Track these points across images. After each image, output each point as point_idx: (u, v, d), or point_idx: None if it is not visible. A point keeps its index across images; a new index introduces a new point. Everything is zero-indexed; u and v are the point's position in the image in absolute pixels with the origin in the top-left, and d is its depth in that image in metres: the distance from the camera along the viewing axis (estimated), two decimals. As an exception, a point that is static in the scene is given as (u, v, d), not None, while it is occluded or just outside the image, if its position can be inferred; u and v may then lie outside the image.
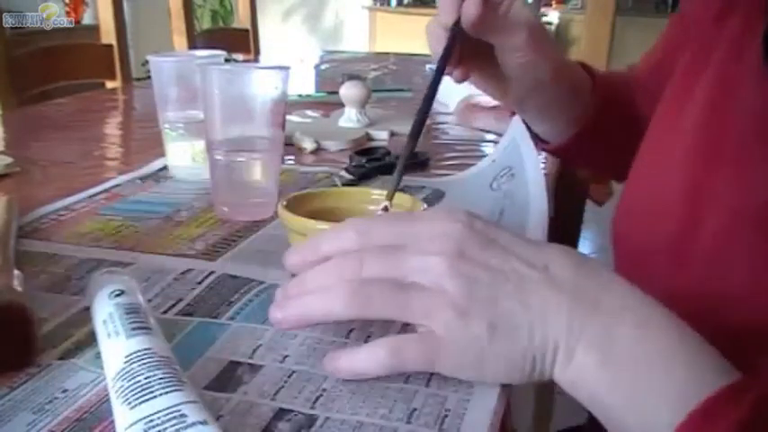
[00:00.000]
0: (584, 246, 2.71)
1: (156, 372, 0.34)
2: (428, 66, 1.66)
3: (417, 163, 0.84)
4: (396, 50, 2.01)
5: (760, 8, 0.52)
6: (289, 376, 0.40)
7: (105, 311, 0.40)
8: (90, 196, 0.71)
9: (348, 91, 1.00)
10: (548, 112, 0.72)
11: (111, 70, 1.51)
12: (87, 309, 0.44)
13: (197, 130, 0.73)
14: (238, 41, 2.09)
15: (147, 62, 0.76)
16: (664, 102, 0.60)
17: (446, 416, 0.37)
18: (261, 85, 0.63)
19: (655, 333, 0.37)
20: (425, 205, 0.54)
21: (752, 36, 0.51)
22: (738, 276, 0.47)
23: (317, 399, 0.39)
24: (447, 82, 1.37)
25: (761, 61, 0.49)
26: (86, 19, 3.15)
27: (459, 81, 0.66)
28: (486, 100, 1.25)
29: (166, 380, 0.34)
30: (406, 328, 0.46)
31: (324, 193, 0.59)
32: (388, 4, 4.42)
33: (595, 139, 0.74)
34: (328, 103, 1.21)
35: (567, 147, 0.75)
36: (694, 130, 0.53)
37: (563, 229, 0.48)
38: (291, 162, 0.87)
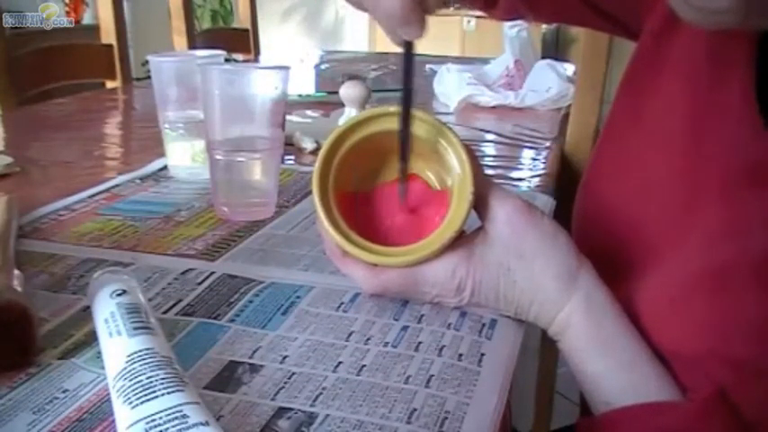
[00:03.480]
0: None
1: (158, 372, 0.34)
2: (428, 66, 1.66)
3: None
4: (396, 50, 2.00)
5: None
6: (289, 377, 0.40)
7: (107, 310, 0.40)
8: (90, 196, 0.71)
9: (348, 91, 1.00)
10: None
11: (111, 70, 1.51)
12: (87, 308, 0.44)
13: (197, 130, 0.73)
14: (238, 41, 2.08)
15: (147, 62, 0.76)
16: (628, 74, 0.57)
17: (446, 417, 0.37)
18: (261, 85, 0.63)
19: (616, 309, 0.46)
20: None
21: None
22: (676, 333, 0.45)
23: (318, 397, 0.39)
24: (447, 83, 1.36)
25: (753, 108, 0.45)
26: (86, 19, 3.14)
27: None
28: (486, 100, 1.25)
29: (168, 380, 0.34)
30: (406, 329, 0.46)
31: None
32: (388, 4, 4.42)
33: None
34: (328, 103, 1.21)
35: None
36: (678, 155, 0.49)
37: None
38: (291, 162, 0.87)
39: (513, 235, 0.46)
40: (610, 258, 0.50)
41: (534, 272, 0.46)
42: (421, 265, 0.47)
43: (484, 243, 0.47)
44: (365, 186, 0.52)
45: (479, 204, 0.47)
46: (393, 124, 0.48)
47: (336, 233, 0.47)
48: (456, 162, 0.48)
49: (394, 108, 0.48)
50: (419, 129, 0.49)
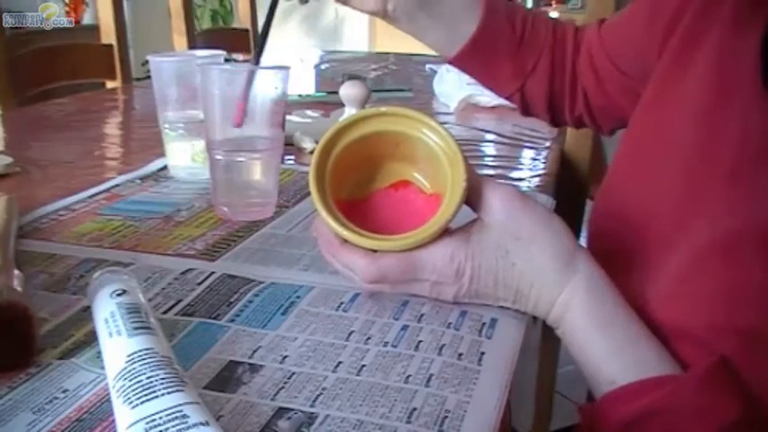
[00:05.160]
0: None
1: (158, 372, 0.35)
2: (428, 65, 1.66)
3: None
4: (396, 50, 2.00)
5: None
6: (289, 377, 0.40)
7: (107, 310, 0.40)
8: (90, 196, 0.71)
9: (348, 91, 0.99)
10: (440, 20, 0.71)
11: (111, 70, 1.51)
12: (87, 309, 0.44)
13: (197, 130, 0.73)
14: (238, 41, 2.08)
15: (147, 62, 0.76)
16: (650, 89, 0.58)
17: (446, 416, 0.37)
18: (261, 85, 0.63)
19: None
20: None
21: (746, 33, 0.50)
22: (697, 307, 0.45)
23: (317, 397, 0.39)
24: (447, 83, 1.36)
25: (760, 85, 0.47)
26: (86, 19, 3.15)
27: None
28: (486, 100, 1.25)
29: (168, 380, 0.34)
30: (406, 328, 0.47)
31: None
32: (388, 3, 4.43)
33: (488, 51, 0.73)
34: (328, 103, 1.21)
35: (462, 57, 0.74)
36: (688, 145, 0.51)
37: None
38: (291, 162, 0.87)
39: (508, 219, 0.47)
40: (626, 252, 0.52)
41: (533, 253, 0.46)
42: (419, 250, 0.47)
43: (481, 229, 0.47)
44: (359, 194, 0.52)
45: (472, 197, 0.47)
46: (386, 125, 0.49)
47: (334, 221, 0.47)
48: (447, 152, 0.48)
49: (384, 108, 0.49)
50: (402, 125, 0.49)
